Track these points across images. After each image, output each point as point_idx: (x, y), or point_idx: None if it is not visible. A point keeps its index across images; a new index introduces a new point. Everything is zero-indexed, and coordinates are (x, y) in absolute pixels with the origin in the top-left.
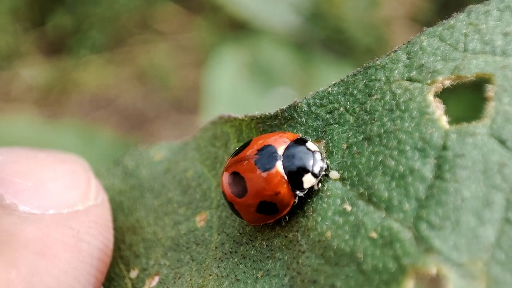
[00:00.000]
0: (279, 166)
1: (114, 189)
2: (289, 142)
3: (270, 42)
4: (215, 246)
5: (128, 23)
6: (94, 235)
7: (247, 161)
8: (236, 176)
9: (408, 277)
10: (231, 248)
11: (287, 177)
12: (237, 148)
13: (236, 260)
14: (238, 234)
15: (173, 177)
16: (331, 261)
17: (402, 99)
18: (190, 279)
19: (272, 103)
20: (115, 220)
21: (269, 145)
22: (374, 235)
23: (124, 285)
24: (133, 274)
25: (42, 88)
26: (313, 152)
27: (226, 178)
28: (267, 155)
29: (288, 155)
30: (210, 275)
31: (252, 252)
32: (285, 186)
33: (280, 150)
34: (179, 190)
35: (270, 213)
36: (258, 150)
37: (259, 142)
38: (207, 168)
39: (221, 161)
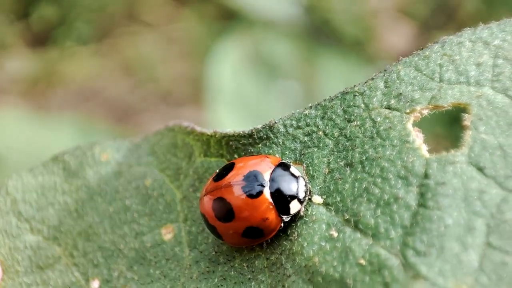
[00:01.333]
0: (266, 192)
1: (57, 188)
2: (274, 167)
3: (272, 33)
4: (189, 264)
5: (115, 14)
6: None
7: (233, 187)
8: (222, 201)
9: None
10: (207, 267)
11: (274, 203)
12: (218, 171)
13: (216, 281)
14: (214, 252)
15: (128, 182)
16: (319, 286)
17: (382, 127)
18: None
19: (277, 97)
20: (61, 223)
21: (254, 170)
22: (362, 261)
23: None
24: (95, 284)
25: (27, 80)
26: (297, 177)
27: (209, 202)
28: (253, 180)
29: (274, 181)
30: None
31: (232, 273)
32: (273, 212)
33: (266, 176)
34: (138, 198)
35: (255, 237)
36: (244, 175)
37: (243, 166)
38: (169, 178)
39: (185, 173)
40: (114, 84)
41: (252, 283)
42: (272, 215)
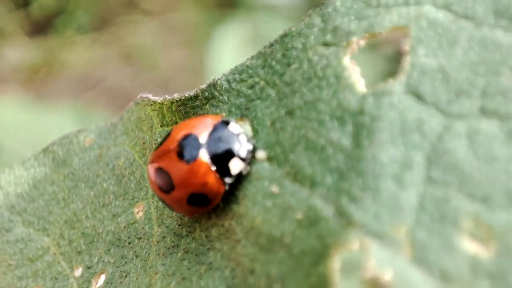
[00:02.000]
0: (202, 155)
1: (47, 179)
2: (211, 126)
3: (273, 17)
4: (157, 241)
5: (115, 2)
6: None
7: (169, 154)
8: (160, 171)
9: (332, 256)
10: (172, 242)
11: (213, 165)
12: (158, 140)
13: (179, 255)
14: (177, 226)
15: (106, 164)
16: (264, 249)
17: (319, 66)
18: (136, 278)
19: None
20: (50, 213)
21: (189, 134)
22: (300, 216)
23: (69, 285)
24: (77, 272)
25: (28, 69)
26: (237, 134)
27: (151, 173)
28: (189, 145)
29: (211, 142)
30: (156, 273)
31: (193, 245)
32: (212, 175)
33: (202, 138)
34: (113, 179)
35: (202, 204)
36: (179, 141)
37: (179, 131)
38: (138, 154)
39: (149, 147)
40: (114, 72)
41: (210, 253)
42: (212, 179)
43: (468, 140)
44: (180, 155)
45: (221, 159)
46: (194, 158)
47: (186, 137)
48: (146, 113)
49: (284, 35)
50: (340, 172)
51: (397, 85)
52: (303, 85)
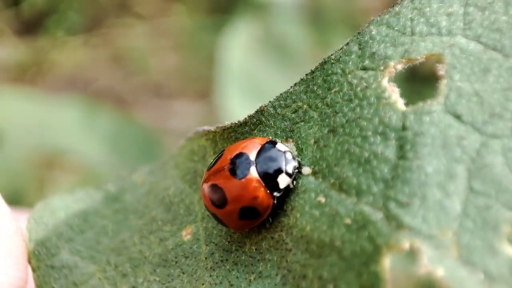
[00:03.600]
0: (253, 171)
1: (97, 214)
2: (260, 146)
3: (282, 16)
4: (205, 257)
5: (107, 4)
6: (11, 265)
7: (222, 171)
8: (215, 187)
9: (384, 256)
10: (221, 257)
11: (262, 180)
12: (212, 161)
13: (228, 267)
14: (227, 242)
15: (155, 196)
16: (315, 254)
17: (358, 88)
18: None
19: (290, 83)
20: (98, 243)
21: (241, 152)
22: (348, 221)
23: None
24: None
25: (17, 69)
26: (284, 152)
27: (205, 190)
28: (240, 162)
29: (260, 159)
30: (202, 284)
31: (243, 257)
32: (262, 189)
33: (252, 156)
34: (162, 208)
35: (252, 218)
36: (231, 159)
37: (231, 151)
38: (188, 183)
39: (201, 174)
40: (104, 75)
41: (261, 264)
42: (261, 193)
43: (503, 157)
44: (233, 172)
45: (270, 174)
46: (245, 174)
47: (238, 156)
48: (200, 144)
49: (324, 62)
50: (385, 181)
51: (435, 105)
52: (344, 106)
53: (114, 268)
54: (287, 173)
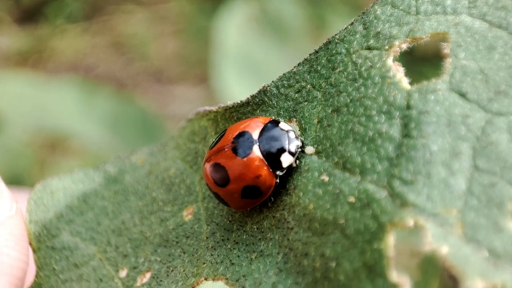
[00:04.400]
0: (256, 150)
1: (97, 195)
2: (262, 125)
3: None
4: (206, 237)
5: None
6: (12, 247)
7: (225, 150)
8: (217, 166)
9: (388, 233)
10: (222, 236)
11: (265, 159)
12: (213, 140)
13: (229, 246)
14: (228, 222)
15: (155, 177)
16: (317, 232)
17: (363, 68)
18: (183, 270)
19: (286, 61)
20: (99, 224)
21: (243, 131)
22: (352, 199)
23: (114, 285)
24: (122, 273)
25: (17, 56)
26: (287, 131)
27: (207, 169)
28: (243, 141)
29: (263, 138)
30: (204, 263)
31: (244, 236)
32: (265, 168)
33: (255, 135)
34: (163, 189)
35: (255, 197)
36: (234, 138)
37: (233, 130)
38: (189, 164)
39: (202, 155)
40: (105, 61)
41: (262, 243)
42: (264, 171)
43: (509, 134)
44: (235, 151)
45: (273, 153)
46: (248, 153)
47: (240, 135)
48: (201, 125)
49: (328, 42)
50: (390, 159)
51: (440, 84)
52: (348, 85)
53: (115, 249)
54: (290, 152)
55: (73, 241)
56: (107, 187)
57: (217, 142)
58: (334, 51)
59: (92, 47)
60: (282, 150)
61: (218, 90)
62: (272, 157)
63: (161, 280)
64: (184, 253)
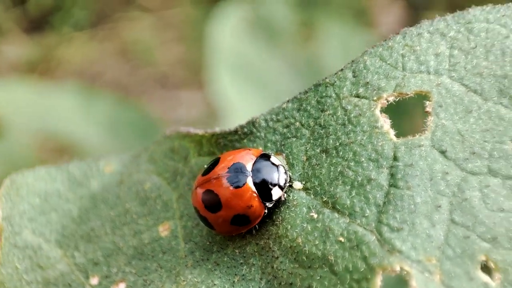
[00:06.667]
0: (249, 181)
1: (60, 196)
2: (255, 158)
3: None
4: (184, 255)
5: None
6: None
7: (219, 179)
8: (210, 193)
9: (376, 275)
10: (202, 256)
11: (257, 191)
12: (206, 166)
13: (209, 266)
14: (208, 243)
15: (128, 188)
16: (304, 265)
17: (352, 115)
18: (162, 286)
19: (278, 63)
20: (64, 227)
21: (237, 162)
22: (341, 239)
23: None
24: (94, 281)
25: (25, 66)
26: (278, 166)
27: (199, 194)
28: (237, 172)
29: (256, 171)
30: (184, 281)
31: (225, 259)
32: (256, 199)
33: (249, 167)
34: (137, 201)
35: (243, 224)
36: (228, 168)
37: (227, 159)
38: (166, 180)
39: (181, 173)
40: (112, 68)
41: (244, 267)
42: (256, 203)
43: (480, 193)
44: (230, 180)
45: (264, 186)
46: (243, 184)
47: (235, 165)
48: (182, 144)
49: (318, 85)
50: (378, 206)
51: (424, 140)
52: (337, 129)
53: (84, 255)
54: (280, 186)
55: (36, 241)
56: (71, 190)
57: (210, 169)
58: (324, 94)
59: (99, 55)
60: (273, 184)
61: (213, 93)
62: (264, 189)
63: None
64: (161, 268)
